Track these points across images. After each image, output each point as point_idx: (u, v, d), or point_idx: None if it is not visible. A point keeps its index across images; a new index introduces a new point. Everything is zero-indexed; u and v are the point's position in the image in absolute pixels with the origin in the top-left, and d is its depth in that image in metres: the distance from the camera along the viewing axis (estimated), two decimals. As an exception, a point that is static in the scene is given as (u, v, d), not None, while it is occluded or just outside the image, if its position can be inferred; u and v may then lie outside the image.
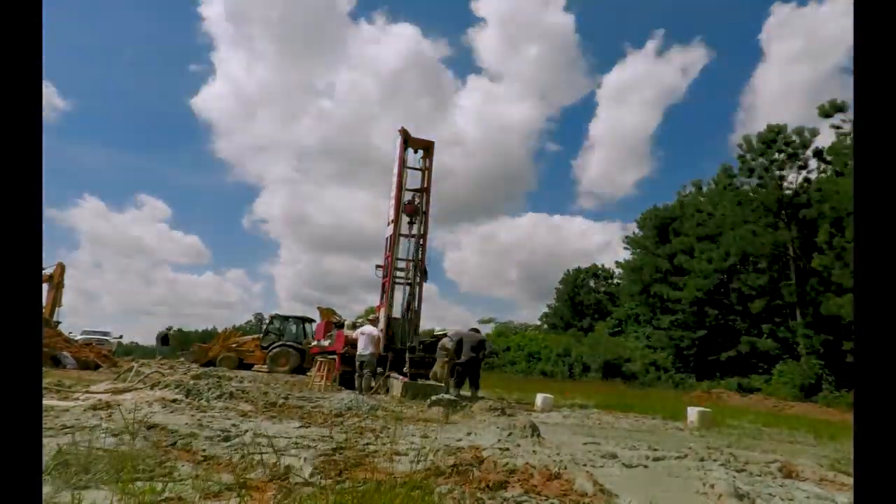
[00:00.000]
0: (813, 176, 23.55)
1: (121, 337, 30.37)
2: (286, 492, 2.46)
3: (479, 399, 9.69)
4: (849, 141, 20.80)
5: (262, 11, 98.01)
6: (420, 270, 13.31)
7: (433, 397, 8.44)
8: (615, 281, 41.67)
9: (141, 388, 7.05)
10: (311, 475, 2.81)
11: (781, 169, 23.86)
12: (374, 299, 14.77)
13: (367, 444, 4.03)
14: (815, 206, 21.74)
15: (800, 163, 23.57)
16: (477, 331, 11.41)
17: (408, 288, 13.29)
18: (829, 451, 5.95)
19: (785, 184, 23.88)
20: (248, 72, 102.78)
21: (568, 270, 45.15)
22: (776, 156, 23.86)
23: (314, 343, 16.78)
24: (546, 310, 46.70)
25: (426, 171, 14.04)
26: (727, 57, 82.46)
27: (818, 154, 23.07)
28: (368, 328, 11.39)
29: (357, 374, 10.91)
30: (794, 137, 23.40)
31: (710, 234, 26.37)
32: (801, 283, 22.80)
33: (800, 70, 70.59)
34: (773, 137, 23.85)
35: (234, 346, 19.82)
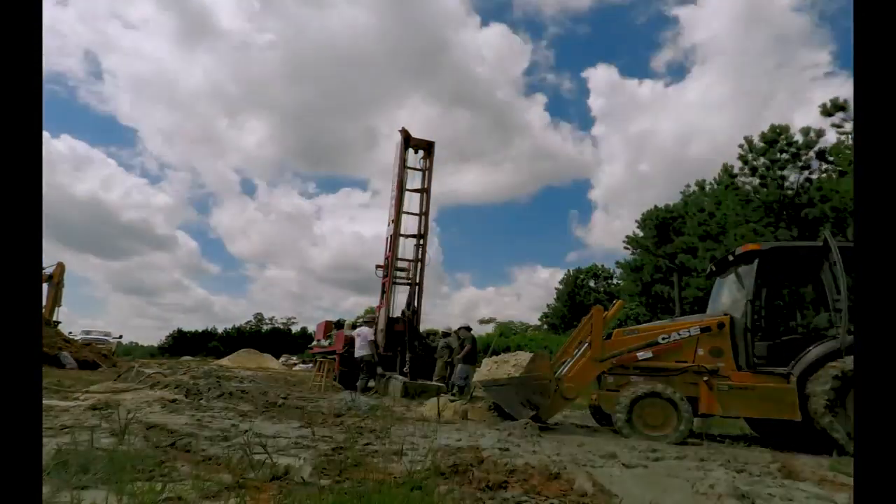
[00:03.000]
0: (815, 176, 23.57)
1: (120, 337, 30.46)
2: (286, 492, 2.46)
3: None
4: (850, 140, 20.80)
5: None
6: (415, 314, 13.13)
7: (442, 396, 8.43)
8: (615, 281, 41.72)
9: (141, 388, 7.05)
10: (311, 475, 2.80)
11: (783, 169, 23.87)
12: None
13: (367, 444, 4.03)
14: (817, 206, 21.75)
15: (801, 163, 23.58)
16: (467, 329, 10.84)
17: (408, 288, 13.31)
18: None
19: (787, 184, 23.90)
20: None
21: (568, 271, 45.27)
22: (778, 156, 23.87)
23: (314, 343, 16.77)
24: (546, 310, 46.76)
25: (426, 171, 14.05)
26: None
27: (820, 155, 23.10)
28: (364, 329, 11.38)
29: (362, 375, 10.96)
30: (798, 138, 23.42)
31: (711, 234, 26.37)
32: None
33: None
34: (774, 137, 23.87)
35: None
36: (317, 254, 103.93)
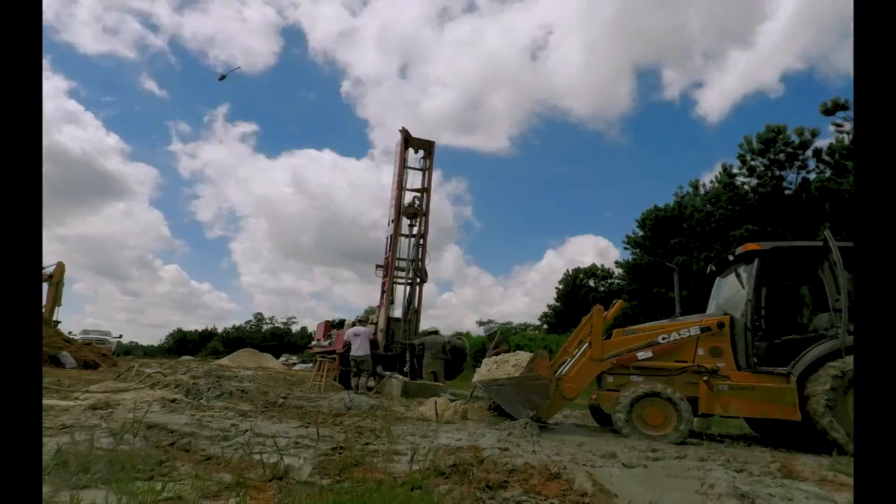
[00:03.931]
0: (812, 176, 23.60)
1: (120, 337, 30.46)
2: (286, 492, 2.46)
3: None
4: (847, 140, 20.82)
5: None
6: (420, 271, 13.30)
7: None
8: (615, 281, 41.71)
9: (140, 388, 7.05)
10: (311, 475, 2.80)
11: (781, 169, 23.90)
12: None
13: (367, 443, 4.03)
14: (814, 206, 21.78)
15: (799, 163, 23.61)
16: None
17: (408, 288, 13.32)
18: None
19: (784, 183, 23.94)
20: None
21: (567, 270, 45.27)
22: (776, 156, 23.89)
23: (314, 343, 16.78)
24: (546, 310, 46.77)
25: (426, 171, 14.06)
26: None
27: (818, 154, 23.13)
28: (361, 328, 11.36)
29: (353, 374, 10.91)
30: (794, 137, 23.45)
31: (709, 234, 26.39)
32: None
33: None
34: (772, 137, 23.90)
35: None
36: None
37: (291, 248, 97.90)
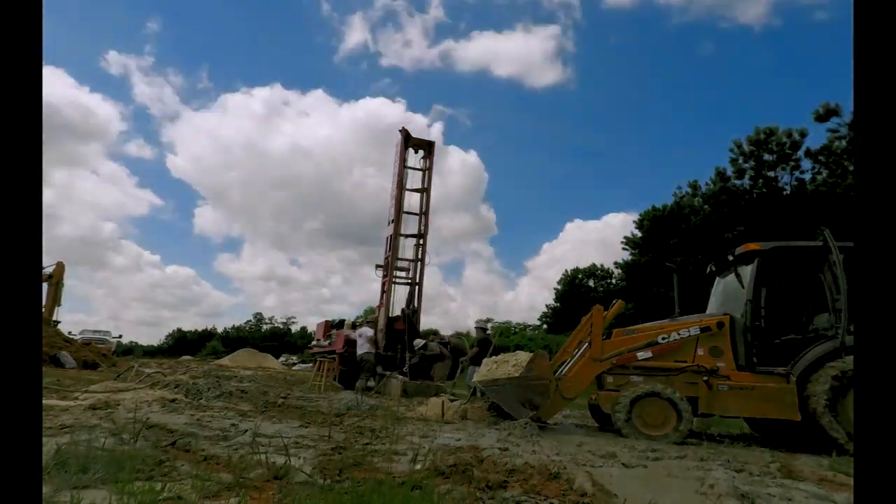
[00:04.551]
0: (806, 177, 23.65)
1: (120, 337, 30.44)
2: (286, 492, 2.46)
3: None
4: (842, 143, 20.87)
5: None
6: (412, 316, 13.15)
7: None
8: (614, 281, 41.73)
9: (140, 388, 7.05)
10: (311, 475, 2.80)
11: (773, 170, 23.94)
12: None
13: (367, 444, 4.02)
14: (810, 207, 21.82)
15: (792, 164, 23.66)
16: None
17: (408, 288, 13.31)
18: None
19: (779, 185, 24.00)
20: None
21: (566, 270, 45.27)
22: (767, 157, 23.93)
23: (314, 343, 16.77)
24: (545, 310, 46.78)
25: (427, 171, 14.06)
26: None
27: (811, 155, 23.16)
28: (365, 329, 11.41)
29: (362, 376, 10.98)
30: (785, 139, 23.49)
31: (707, 235, 26.43)
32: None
33: None
34: (763, 139, 23.93)
35: None
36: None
37: (277, 229, 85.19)
